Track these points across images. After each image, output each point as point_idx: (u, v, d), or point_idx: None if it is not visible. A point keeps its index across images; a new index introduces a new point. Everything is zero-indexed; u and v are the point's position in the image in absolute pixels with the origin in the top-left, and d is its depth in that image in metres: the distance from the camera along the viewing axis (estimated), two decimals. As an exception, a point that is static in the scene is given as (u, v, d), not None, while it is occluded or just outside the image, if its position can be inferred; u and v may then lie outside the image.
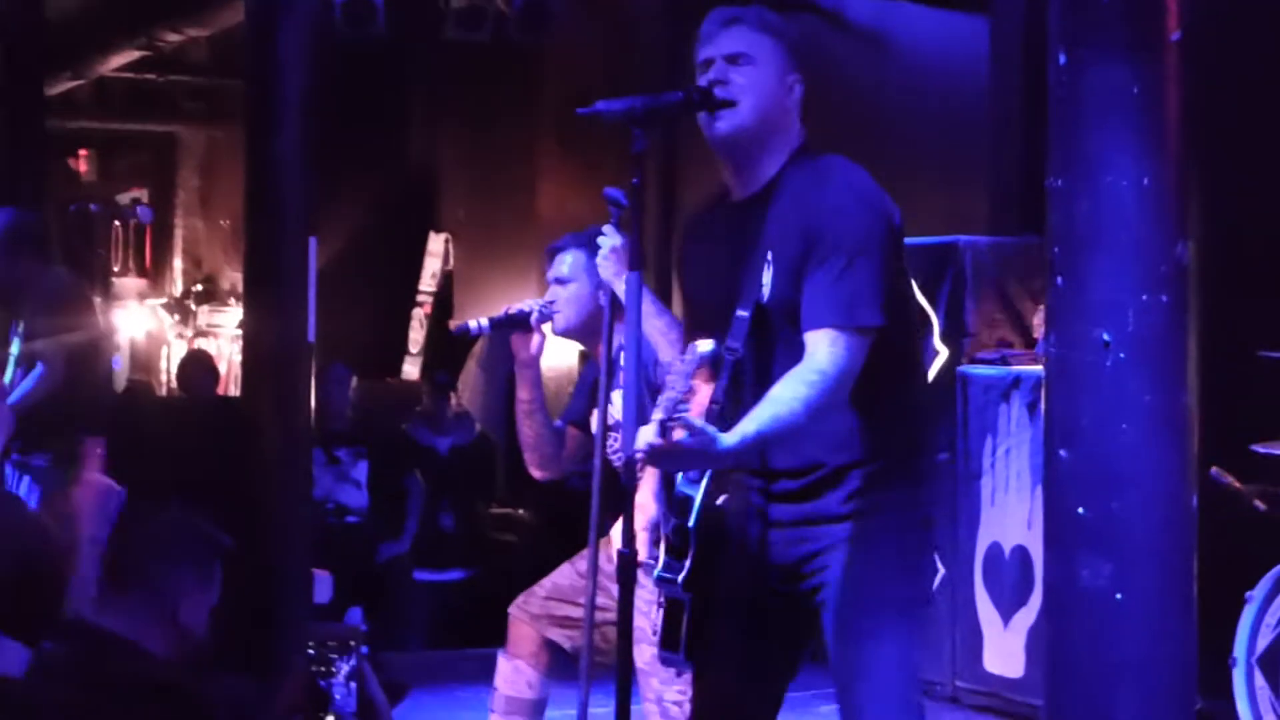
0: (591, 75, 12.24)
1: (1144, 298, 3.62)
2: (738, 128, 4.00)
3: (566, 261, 5.23)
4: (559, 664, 5.31)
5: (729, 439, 3.71)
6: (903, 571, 4.00)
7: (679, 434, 3.65)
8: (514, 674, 5.31)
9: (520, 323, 5.15)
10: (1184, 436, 3.69)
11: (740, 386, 3.91)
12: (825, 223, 3.90)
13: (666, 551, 3.98)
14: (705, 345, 3.80)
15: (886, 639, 3.95)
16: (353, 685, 3.30)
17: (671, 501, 3.98)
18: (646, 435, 3.68)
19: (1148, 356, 3.62)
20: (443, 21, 10.61)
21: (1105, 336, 3.62)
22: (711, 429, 3.69)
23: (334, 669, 3.31)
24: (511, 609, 5.38)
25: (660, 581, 4.00)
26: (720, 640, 4.03)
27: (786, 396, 3.78)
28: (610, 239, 4.67)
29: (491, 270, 13.96)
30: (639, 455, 3.74)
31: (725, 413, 3.85)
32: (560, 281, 5.22)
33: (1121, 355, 3.62)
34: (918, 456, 4.09)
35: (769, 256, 3.95)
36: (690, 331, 4.20)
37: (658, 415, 3.67)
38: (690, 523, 3.94)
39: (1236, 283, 6.85)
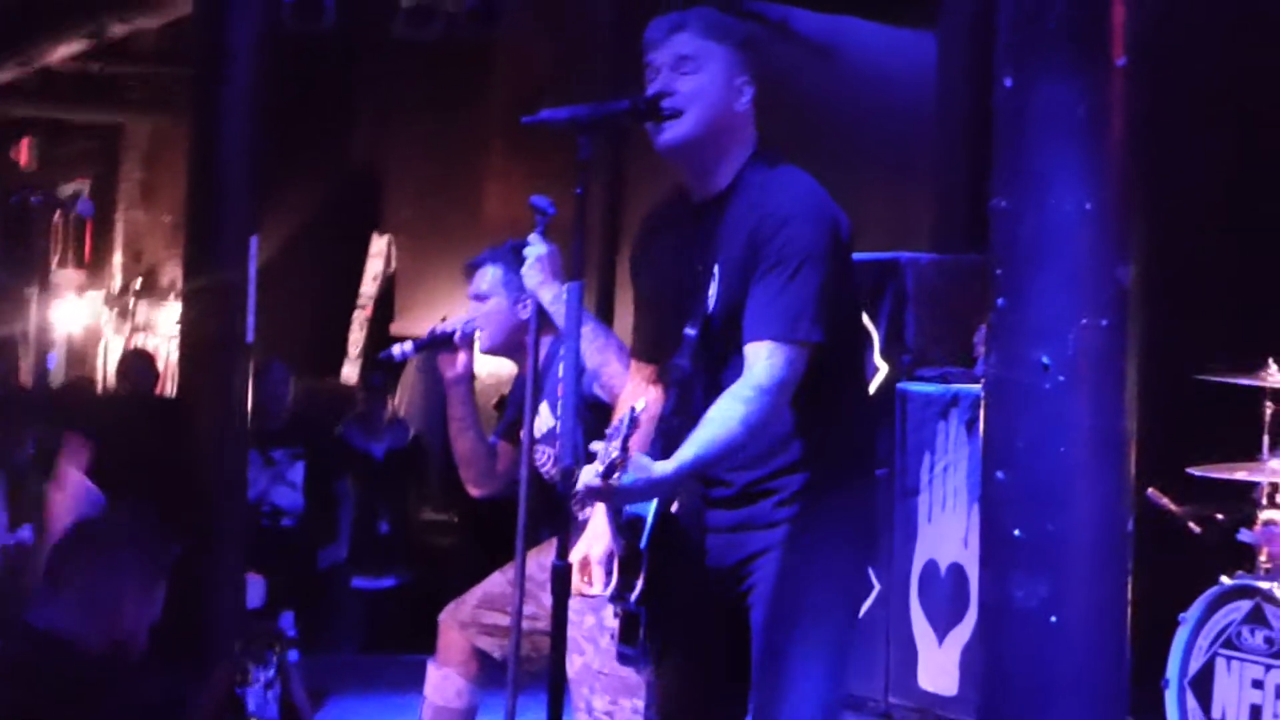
0: (542, 75, 12.22)
1: (1084, 321, 3.63)
2: (683, 138, 3.98)
3: (486, 277, 5.21)
4: (488, 672, 5.28)
5: (666, 467, 3.70)
6: (833, 582, 3.98)
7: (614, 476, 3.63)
8: (443, 682, 5.28)
9: (444, 343, 5.13)
10: (1121, 459, 3.70)
11: (689, 403, 3.89)
12: (771, 232, 3.88)
13: (620, 572, 3.95)
14: (639, 405, 3.72)
15: (811, 648, 3.94)
16: (273, 691, 3.26)
17: (620, 525, 3.95)
18: (586, 477, 3.65)
19: (1087, 379, 3.63)
20: (393, 18, 10.54)
21: (1045, 359, 3.63)
22: (646, 461, 3.67)
23: (252, 677, 3.27)
24: (441, 616, 5.35)
25: (614, 600, 3.98)
26: (675, 643, 4.01)
27: (724, 416, 3.76)
28: (536, 248, 4.65)
29: (435, 272, 13.91)
30: (578, 494, 3.73)
31: (673, 430, 3.83)
32: (479, 298, 5.21)
33: (1061, 378, 3.63)
34: (856, 468, 4.08)
35: (715, 270, 3.93)
36: (640, 340, 4.20)
37: (596, 467, 3.62)
38: (641, 544, 3.91)
39: (1177, 306, 6.88)
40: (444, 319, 5.14)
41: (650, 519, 3.91)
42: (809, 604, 3.93)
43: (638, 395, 4.04)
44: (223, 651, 3.51)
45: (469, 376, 5.17)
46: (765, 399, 3.78)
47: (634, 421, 3.62)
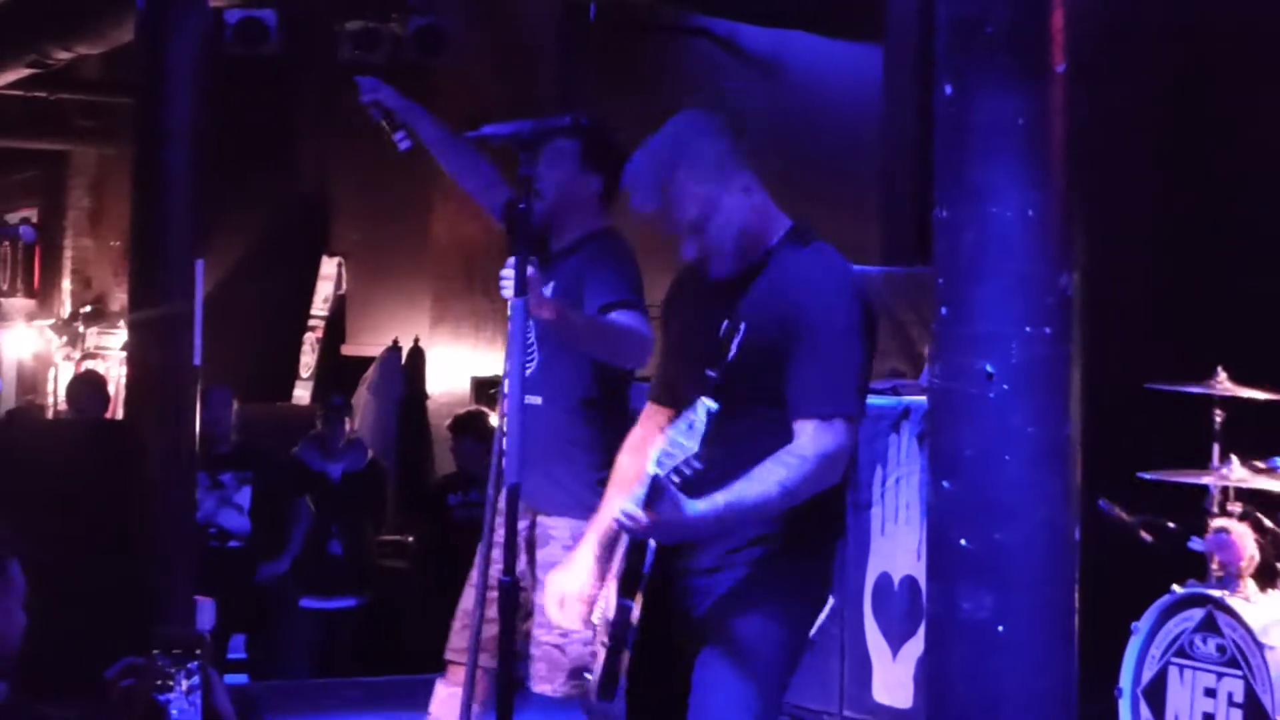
0: (486, 98, 12.19)
1: (1028, 329, 3.62)
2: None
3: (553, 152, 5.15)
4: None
5: (700, 506, 3.71)
6: (772, 633, 3.96)
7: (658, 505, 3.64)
8: (449, 699, 5.21)
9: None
10: (1067, 468, 3.69)
11: (712, 443, 3.88)
12: (808, 307, 3.88)
13: (619, 593, 3.96)
14: (711, 403, 3.69)
15: (735, 692, 3.92)
16: (195, 699, 3.18)
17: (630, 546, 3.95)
18: (627, 506, 3.68)
19: (1031, 388, 3.62)
20: (337, 42, 10.53)
21: (989, 368, 3.62)
22: (684, 498, 3.68)
23: (173, 683, 3.19)
24: (447, 654, 5.27)
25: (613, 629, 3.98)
26: (645, 679, 4.02)
27: (764, 475, 3.77)
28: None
29: (385, 294, 13.87)
30: (615, 525, 3.75)
31: (694, 474, 3.81)
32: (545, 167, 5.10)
33: (1005, 387, 3.62)
34: (826, 532, 4.05)
35: (741, 325, 3.93)
36: (661, 383, 4.21)
37: (653, 469, 3.64)
38: (645, 568, 3.92)
39: (1126, 314, 6.89)
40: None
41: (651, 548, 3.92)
42: (746, 649, 3.92)
43: (655, 438, 4.00)
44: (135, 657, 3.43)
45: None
46: (806, 467, 3.77)
47: (711, 417, 3.62)
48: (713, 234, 3.99)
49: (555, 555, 4.88)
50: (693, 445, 3.63)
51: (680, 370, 4.14)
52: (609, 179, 5.00)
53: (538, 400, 4.90)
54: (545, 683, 5.10)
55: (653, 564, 3.91)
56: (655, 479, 3.62)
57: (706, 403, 3.67)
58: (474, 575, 5.09)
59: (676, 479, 3.64)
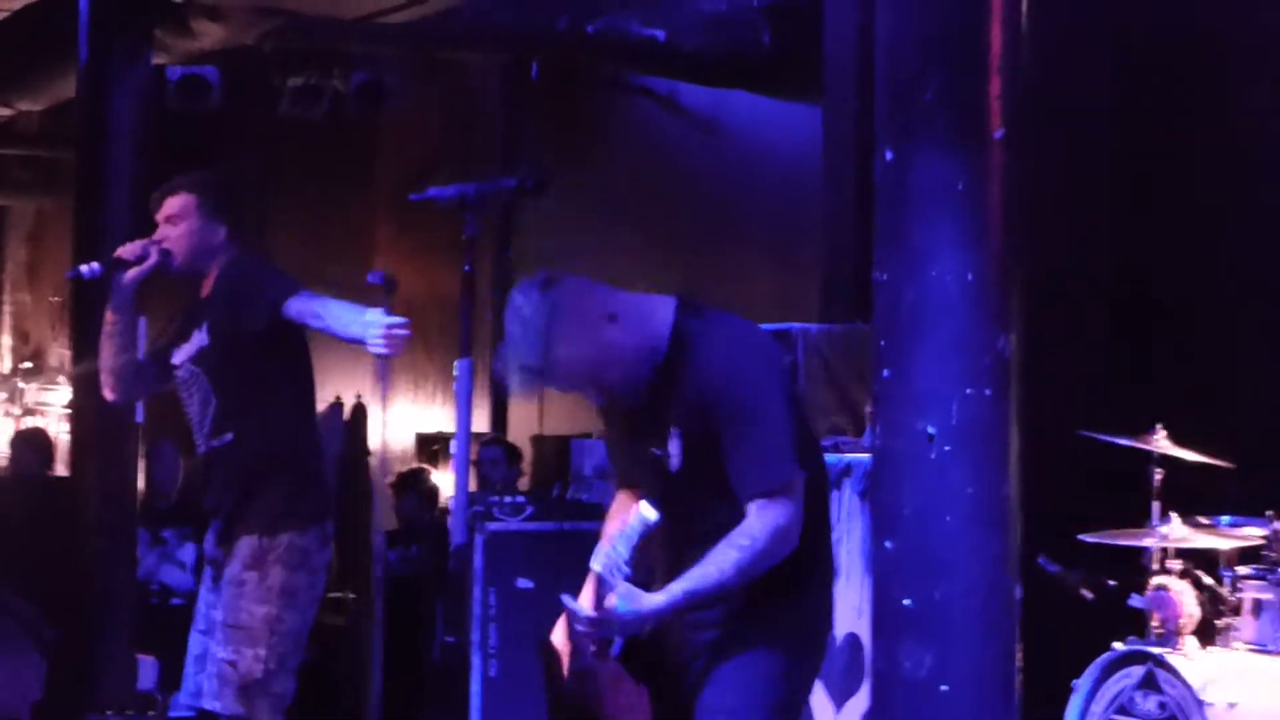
0: (428, 154, 12.21)
1: (968, 390, 3.65)
2: None
3: (178, 204, 5.46)
4: None
5: (657, 599, 3.79)
6: (760, 682, 3.98)
7: (612, 600, 3.75)
8: None
9: (131, 264, 5.38)
10: (1006, 527, 3.72)
11: (649, 540, 3.90)
12: (720, 392, 3.87)
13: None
14: (650, 513, 3.78)
15: None
16: None
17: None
18: (584, 605, 3.83)
19: (971, 448, 3.65)
20: (279, 97, 10.53)
21: (929, 429, 3.64)
22: (637, 592, 3.77)
23: None
24: None
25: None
26: None
27: (719, 559, 3.82)
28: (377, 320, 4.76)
29: (326, 349, 13.81)
30: (578, 629, 3.86)
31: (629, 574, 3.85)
32: (170, 220, 5.44)
33: (946, 447, 3.64)
34: (814, 585, 4.05)
35: (672, 431, 3.94)
36: (619, 472, 4.26)
37: (596, 566, 3.76)
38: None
39: (1065, 373, 6.94)
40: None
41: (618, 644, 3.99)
42: (736, 689, 3.95)
43: (627, 512, 4.03)
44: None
45: (134, 288, 5.41)
46: (757, 546, 3.80)
47: (647, 529, 3.73)
48: (607, 379, 3.98)
49: None
50: (624, 552, 3.73)
51: (630, 467, 4.16)
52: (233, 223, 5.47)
53: None
54: (215, 699, 5.21)
55: (622, 647, 3.94)
56: (599, 575, 3.73)
57: (645, 514, 3.75)
58: None
59: (620, 576, 3.72)
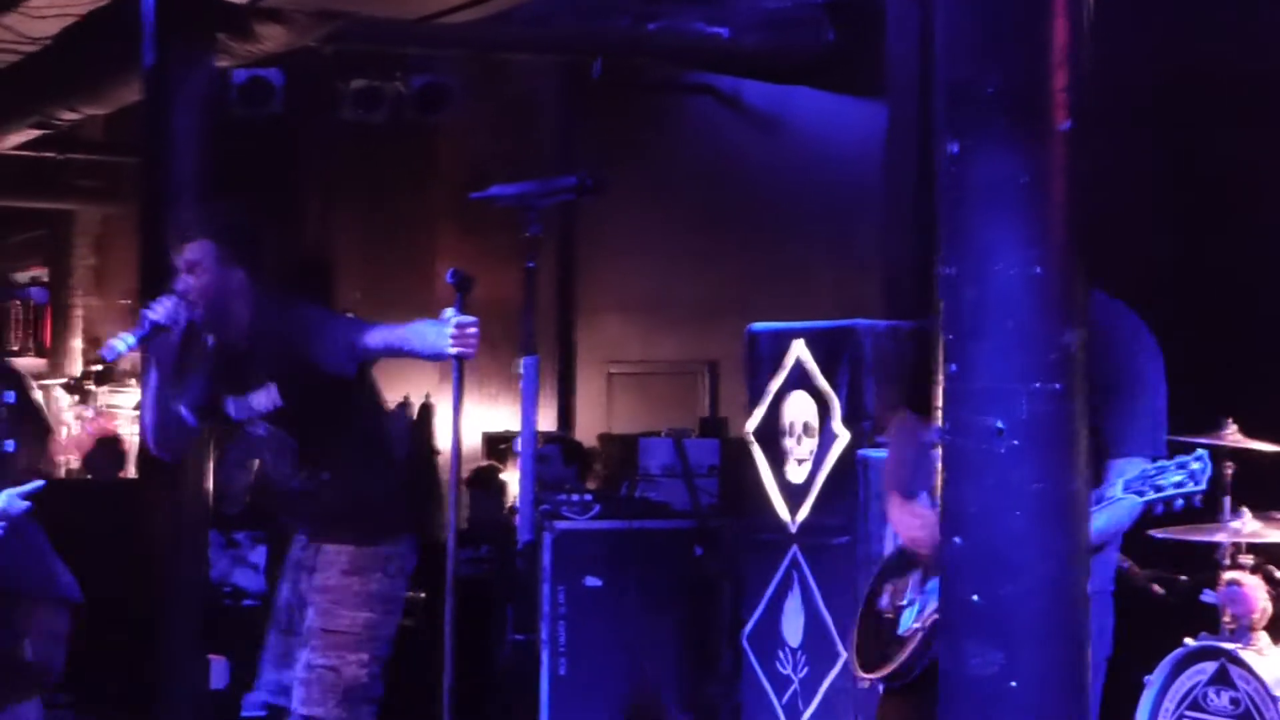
0: (489, 154, 12.23)
1: (1034, 386, 3.62)
2: None
3: (198, 249, 5.35)
4: None
5: None
6: None
7: None
8: None
9: (163, 330, 5.30)
10: (1075, 523, 3.69)
11: None
12: None
13: None
14: None
15: None
16: None
17: None
18: None
19: (1038, 444, 3.62)
20: (340, 101, 10.57)
21: (997, 424, 3.62)
22: None
23: None
24: None
25: None
26: None
27: None
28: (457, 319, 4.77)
29: (391, 350, 13.84)
30: None
31: None
32: (190, 267, 5.35)
33: (1013, 443, 3.62)
34: None
35: None
36: None
37: None
38: None
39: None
40: (150, 304, 5.27)
41: None
42: None
43: None
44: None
45: (175, 347, 5.37)
46: None
47: None
48: None
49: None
50: None
51: None
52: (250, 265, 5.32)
53: None
54: (316, 706, 5.22)
55: None
56: None
57: None
58: None
59: None
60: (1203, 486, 4.19)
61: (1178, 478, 4.20)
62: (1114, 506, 4.25)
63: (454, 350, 4.93)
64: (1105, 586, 4.64)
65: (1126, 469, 4.34)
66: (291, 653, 5.43)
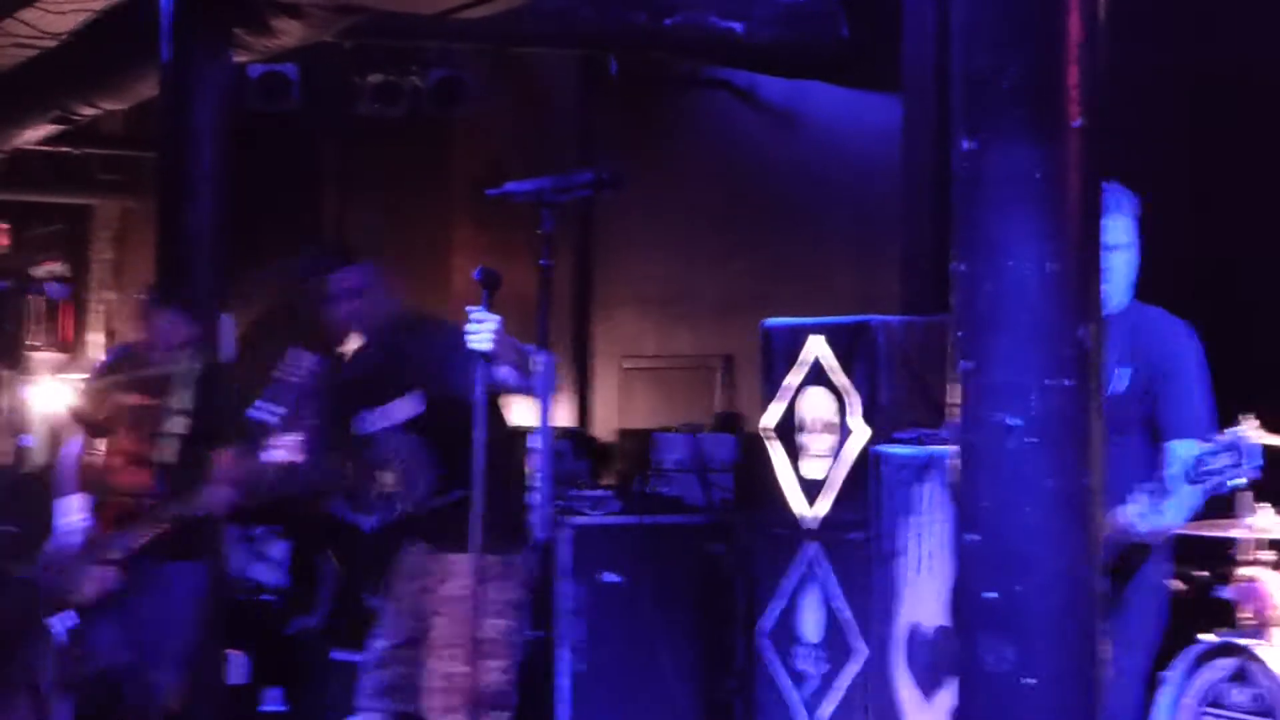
0: (505, 148, 12.23)
1: (1047, 381, 3.62)
2: None
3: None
4: None
5: None
6: None
7: None
8: None
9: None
10: (1087, 518, 3.68)
11: None
12: None
13: None
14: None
15: None
16: None
17: None
18: None
19: (1051, 439, 3.62)
20: (358, 96, 10.58)
21: (1010, 420, 3.61)
22: None
23: None
24: None
25: None
26: None
27: None
28: (484, 317, 4.75)
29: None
30: None
31: None
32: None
33: (1026, 439, 3.61)
34: None
35: None
36: None
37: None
38: None
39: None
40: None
41: None
42: None
43: None
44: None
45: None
46: None
47: None
48: None
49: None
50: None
51: None
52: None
53: None
54: (445, 715, 5.23)
55: None
56: None
57: None
58: None
59: None
60: (1248, 464, 4.72)
61: (1226, 460, 4.70)
62: (1179, 499, 4.76)
63: (478, 347, 4.91)
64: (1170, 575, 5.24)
65: (1181, 450, 4.82)
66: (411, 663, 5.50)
